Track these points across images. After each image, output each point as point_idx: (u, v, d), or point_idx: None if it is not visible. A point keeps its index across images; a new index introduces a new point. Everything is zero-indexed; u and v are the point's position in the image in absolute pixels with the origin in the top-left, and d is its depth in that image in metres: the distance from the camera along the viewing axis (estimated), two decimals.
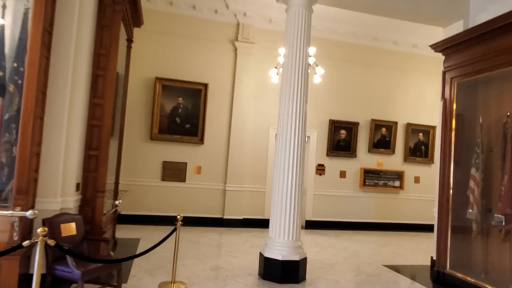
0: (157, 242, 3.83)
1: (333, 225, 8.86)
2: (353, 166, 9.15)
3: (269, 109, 8.39)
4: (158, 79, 7.94)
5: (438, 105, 9.68)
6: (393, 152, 9.37)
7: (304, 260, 4.64)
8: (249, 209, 8.48)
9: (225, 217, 8.26)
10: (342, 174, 9.10)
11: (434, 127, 9.55)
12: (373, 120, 9.22)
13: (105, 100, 4.37)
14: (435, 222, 5.62)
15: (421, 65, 9.65)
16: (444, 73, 5.05)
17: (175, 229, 3.95)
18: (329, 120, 9.00)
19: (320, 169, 8.97)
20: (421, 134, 9.55)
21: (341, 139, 9.07)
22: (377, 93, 9.38)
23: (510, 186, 4.19)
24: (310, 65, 7.17)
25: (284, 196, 4.62)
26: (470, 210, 4.66)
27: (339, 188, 9.06)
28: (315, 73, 7.38)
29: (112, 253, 3.90)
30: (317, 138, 8.98)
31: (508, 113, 4.34)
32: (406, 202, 9.40)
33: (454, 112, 4.86)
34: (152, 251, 3.77)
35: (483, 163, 4.66)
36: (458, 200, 4.79)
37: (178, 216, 3.99)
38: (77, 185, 4.11)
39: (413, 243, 7.69)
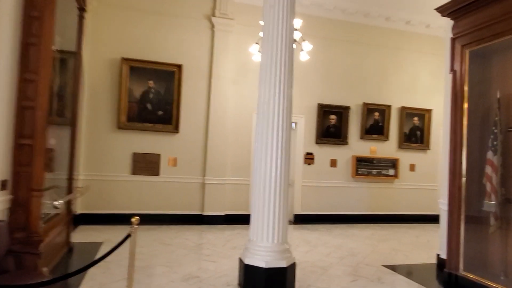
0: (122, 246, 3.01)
1: (324, 218, 8.13)
2: (345, 154, 8.42)
3: (252, 93, 7.52)
4: (125, 60, 7.00)
5: (434, 87, 9.03)
6: (387, 138, 8.66)
7: (292, 266, 3.87)
8: (232, 203, 7.68)
9: (205, 213, 7.45)
10: (333, 163, 8.36)
11: (430, 111, 8.88)
12: (365, 104, 8.47)
13: (40, 75, 3.46)
14: (441, 215, 4.93)
15: (415, 44, 8.92)
16: (453, 40, 4.29)
17: (128, 236, 3.11)
18: (318, 104, 8.21)
19: (309, 158, 8.22)
20: (416, 119, 8.86)
21: (331, 125, 8.31)
22: (369, 75, 8.62)
23: None
24: (296, 40, 6.36)
25: (267, 191, 3.82)
26: (487, 201, 3.95)
27: (330, 178, 8.32)
28: (302, 50, 6.56)
29: (45, 269, 3.06)
30: (305, 124, 8.20)
31: None
32: (402, 191, 8.73)
33: (466, 86, 4.11)
34: (114, 259, 2.95)
35: (502, 145, 3.94)
36: (473, 190, 4.07)
37: (133, 219, 3.15)
38: (3, 183, 3.23)
39: (411, 237, 7.02)
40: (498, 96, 4.00)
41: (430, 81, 8.98)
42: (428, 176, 8.93)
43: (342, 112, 8.34)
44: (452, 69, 4.28)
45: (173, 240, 5.89)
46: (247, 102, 7.70)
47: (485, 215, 3.97)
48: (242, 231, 6.79)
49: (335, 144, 8.33)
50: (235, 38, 7.68)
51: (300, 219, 8.01)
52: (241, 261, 3.89)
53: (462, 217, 4.04)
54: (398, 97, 8.76)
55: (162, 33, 7.32)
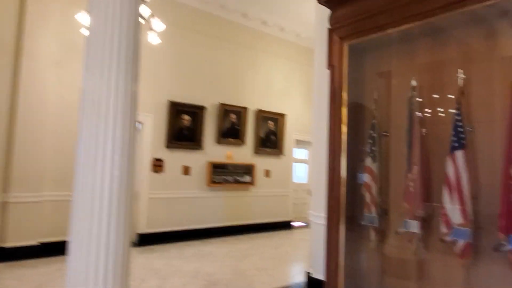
0: None
1: (176, 236, 6.94)
2: (199, 160, 7.43)
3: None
4: None
5: (288, 91, 8.99)
6: (243, 142, 8.09)
7: None
8: (52, 228, 5.70)
9: (7, 245, 5.26)
10: (186, 170, 7.26)
11: (283, 115, 8.76)
12: (222, 105, 7.70)
13: None
14: (312, 229, 4.42)
15: (271, 46, 8.69)
16: (330, 32, 3.76)
17: None
18: (169, 102, 6.99)
19: (157, 165, 6.90)
20: (271, 123, 8.60)
21: (184, 126, 7.20)
22: (226, 73, 7.90)
23: (422, 181, 3.18)
24: (144, 17, 5.04)
25: (96, 215, 2.49)
26: (367, 214, 3.52)
27: (182, 187, 7.19)
28: (151, 30, 5.25)
29: None
30: (153, 125, 6.85)
31: (414, 84, 3.33)
32: (257, 199, 8.30)
33: (345, 84, 3.62)
34: None
35: (380, 150, 3.59)
36: (353, 201, 3.60)
37: None
38: None
39: (270, 249, 6.52)
40: (375, 96, 3.64)
41: (284, 85, 8.89)
42: (281, 182, 8.78)
43: (197, 112, 7.33)
44: (330, 64, 3.75)
45: None
46: (76, 93, 5.86)
47: (366, 229, 3.54)
48: (64, 265, 4.97)
49: (189, 148, 7.26)
50: (58, 6, 5.77)
51: (146, 240, 6.60)
52: None
53: (342, 233, 3.50)
54: (254, 99, 8.32)
55: None
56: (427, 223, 3.19)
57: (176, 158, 7.09)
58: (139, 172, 6.66)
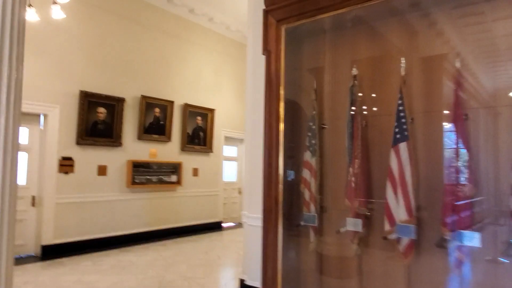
0: None
1: (90, 245, 6.07)
2: (118, 159, 6.62)
3: None
4: None
5: (217, 86, 8.54)
6: (169, 139, 7.44)
7: None
8: None
9: None
10: (102, 170, 6.41)
11: (213, 110, 8.29)
12: (144, 97, 6.96)
13: None
14: (246, 231, 4.05)
15: (199, 37, 8.15)
16: (266, 13, 3.41)
17: None
18: (81, 92, 6.08)
19: (66, 165, 5.97)
20: (199, 118, 8.07)
21: (99, 120, 6.34)
22: (150, 63, 7.18)
23: (364, 176, 2.97)
24: None
25: None
26: (306, 213, 3.24)
27: (98, 190, 6.33)
28: (54, 2, 4.40)
29: None
30: (61, 119, 5.90)
31: (355, 73, 3.12)
32: (185, 200, 7.71)
33: (282, 72, 3.30)
34: None
35: (320, 144, 3.33)
36: (290, 200, 3.29)
37: None
38: None
39: (200, 254, 6.01)
40: (314, 86, 3.38)
41: (213, 79, 8.42)
42: (211, 181, 8.30)
43: (114, 104, 6.51)
44: (266, 49, 3.39)
45: None
46: None
47: (305, 229, 3.26)
48: None
49: (105, 145, 6.41)
50: None
51: (52, 252, 5.66)
52: None
53: (280, 236, 3.17)
54: (181, 93, 7.71)
55: None
56: (369, 220, 3.00)
57: (89, 157, 6.21)
58: (43, 174, 5.69)
